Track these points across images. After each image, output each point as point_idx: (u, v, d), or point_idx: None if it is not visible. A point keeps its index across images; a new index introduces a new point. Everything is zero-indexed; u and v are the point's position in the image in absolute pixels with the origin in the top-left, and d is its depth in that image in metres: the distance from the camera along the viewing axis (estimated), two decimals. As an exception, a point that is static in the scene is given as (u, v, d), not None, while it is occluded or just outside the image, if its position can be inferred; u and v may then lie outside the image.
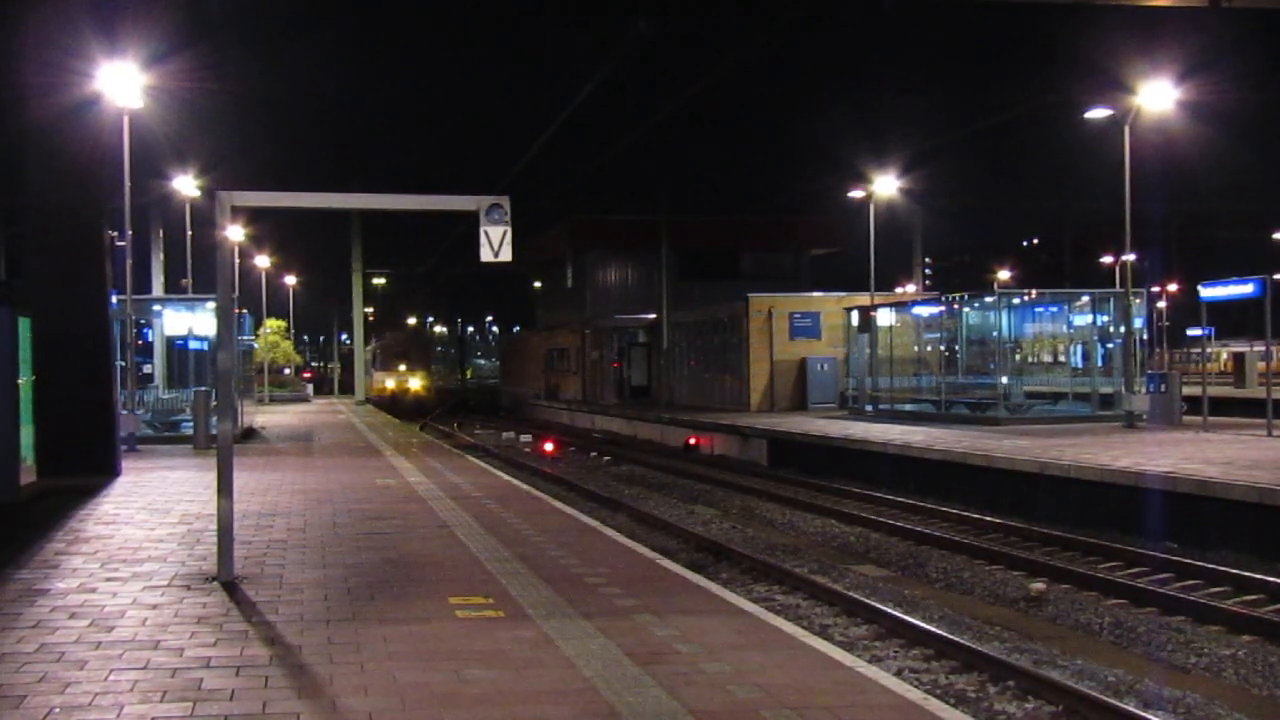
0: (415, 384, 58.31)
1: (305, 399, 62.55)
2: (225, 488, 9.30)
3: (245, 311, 33.64)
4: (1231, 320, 47.05)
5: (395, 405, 53.19)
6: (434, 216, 43.21)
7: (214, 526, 9.89)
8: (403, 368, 58.61)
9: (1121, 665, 9.74)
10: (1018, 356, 29.36)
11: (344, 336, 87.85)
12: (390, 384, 57.87)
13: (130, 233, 24.34)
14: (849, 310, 33.81)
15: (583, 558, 10.42)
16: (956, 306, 30.21)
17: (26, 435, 14.49)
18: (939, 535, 16.19)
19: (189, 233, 38.70)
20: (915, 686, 7.54)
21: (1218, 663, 9.80)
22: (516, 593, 8.80)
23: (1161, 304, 57.78)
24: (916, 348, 31.93)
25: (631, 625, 7.79)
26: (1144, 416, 24.85)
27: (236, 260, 38.75)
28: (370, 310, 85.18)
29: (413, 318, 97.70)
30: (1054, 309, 30.88)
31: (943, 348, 30.89)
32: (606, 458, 30.96)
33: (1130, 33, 29.57)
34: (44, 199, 17.48)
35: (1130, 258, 27.24)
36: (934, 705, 6.25)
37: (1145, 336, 30.60)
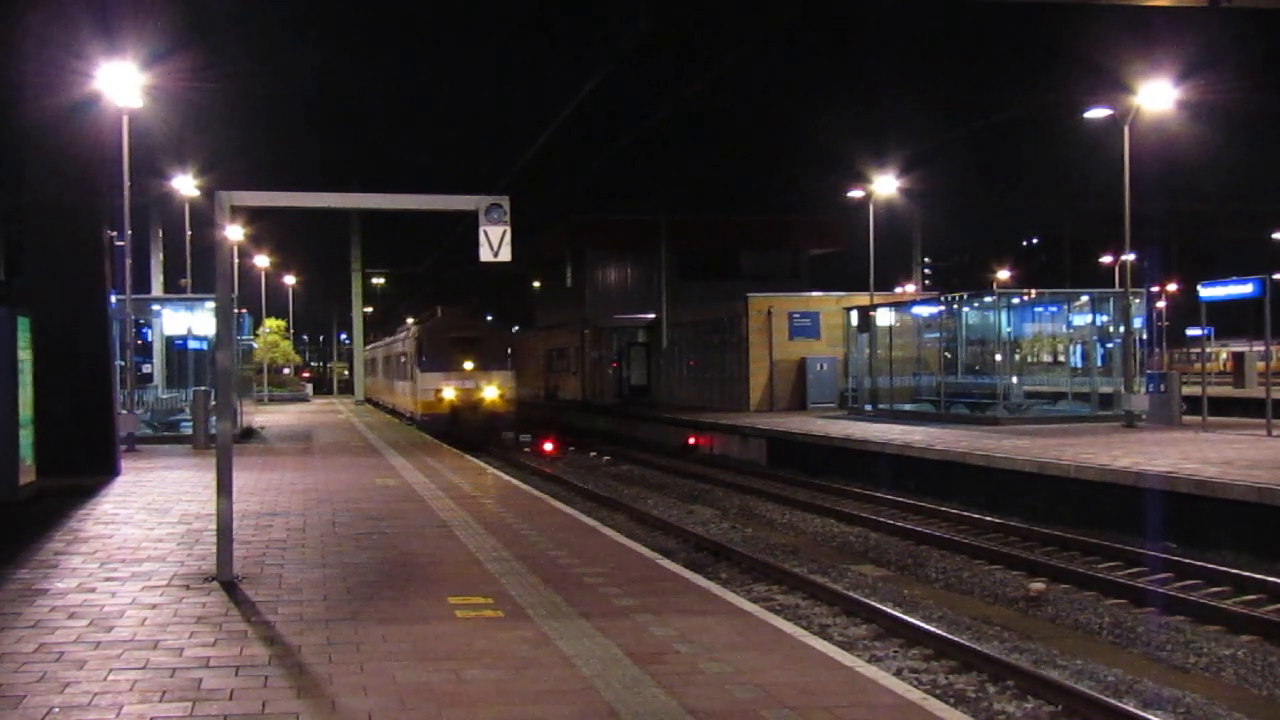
0: (491, 393, 34.22)
1: (304, 399, 62.60)
2: (224, 487, 9.30)
3: (244, 311, 33.64)
4: (1231, 320, 47.05)
5: (456, 427, 33.00)
6: (434, 216, 43.26)
7: (213, 526, 9.89)
8: (469, 365, 34.47)
9: (1121, 665, 9.74)
10: (1017, 356, 29.35)
11: (344, 336, 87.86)
12: (449, 393, 34.17)
13: (129, 232, 24.35)
14: (848, 310, 33.80)
15: (582, 557, 10.42)
16: (956, 306, 30.21)
17: (26, 435, 14.48)
18: (939, 535, 16.19)
19: (188, 232, 38.76)
20: (915, 686, 7.54)
21: (1217, 663, 9.80)
22: (516, 592, 8.80)
23: (1161, 304, 57.80)
24: (916, 348, 31.92)
25: (631, 625, 7.79)
26: (1143, 416, 24.86)
27: (236, 260, 38.75)
28: (370, 310, 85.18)
29: (411, 317, 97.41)
30: (1053, 309, 30.88)
31: (942, 347, 30.89)
32: (606, 457, 30.95)
33: (1130, 33, 29.60)
34: (44, 199, 17.47)
35: (1130, 258, 27.26)
36: (933, 705, 6.25)
37: (1145, 336, 30.59)
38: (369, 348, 61.85)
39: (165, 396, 29.03)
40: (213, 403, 22.33)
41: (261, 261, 56.58)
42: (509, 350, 36.19)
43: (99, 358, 17.68)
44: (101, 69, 18.81)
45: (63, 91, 17.03)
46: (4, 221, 41.12)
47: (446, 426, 32.89)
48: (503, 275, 69.42)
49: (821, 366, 35.16)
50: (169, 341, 30.02)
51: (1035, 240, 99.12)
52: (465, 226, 40.16)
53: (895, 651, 10.11)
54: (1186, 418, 25.14)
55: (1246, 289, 22.24)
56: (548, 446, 32.83)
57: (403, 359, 40.25)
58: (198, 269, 40.30)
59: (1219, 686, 9.26)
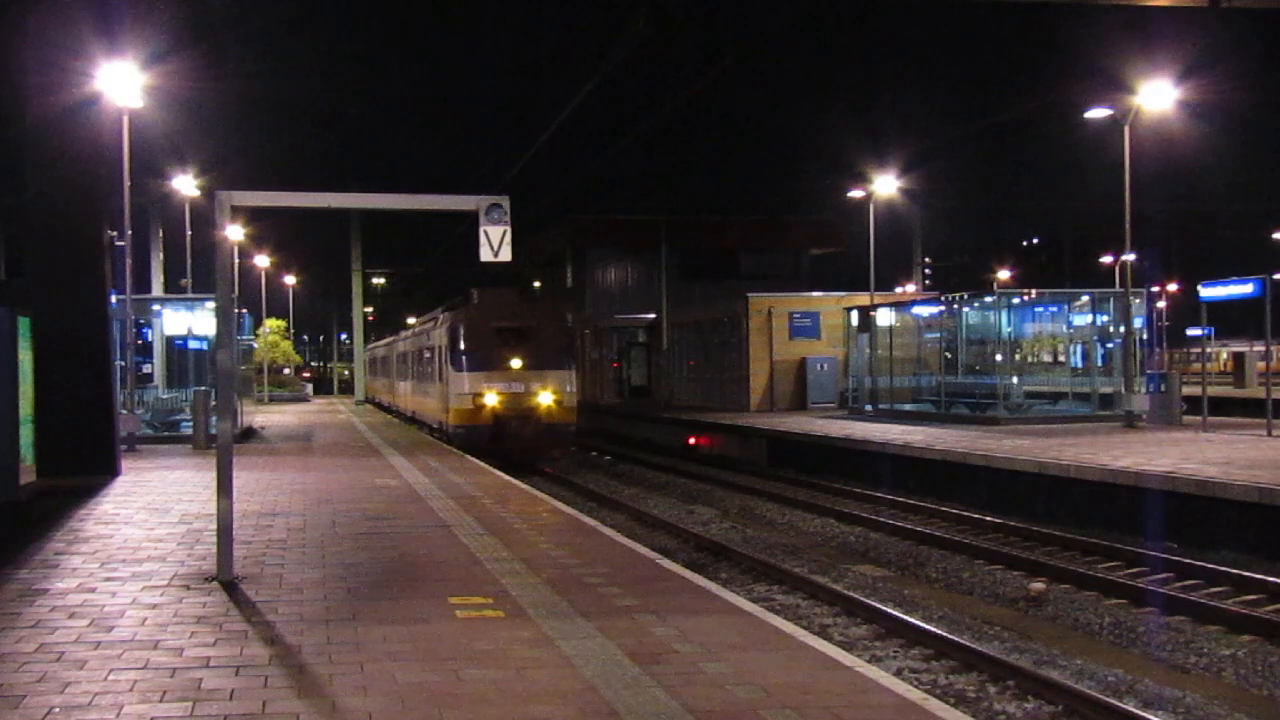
0: (545, 399, 26.49)
1: (305, 399, 62.61)
2: (225, 487, 9.30)
3: (245, 311, 33.65)
4: (1231, 320, 47.07)
5: (501, 443, 25.89)
6: (434, 216, 43.29)
7: (213, 526, 9.89)
8: (518, 363, 26.64)
9: (1121, 665, 9.74)
10: (1017, 356, 29.36)
11: (344, 336, 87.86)
12: (491, 399, 26.34)
13: (130, 232, 24.33)
14: (849, 310, 33.82)
15: (582, 557, 10.42)
16: (956, 306, 30.21)
17: (26, 434, 14.46)
18: (939, 535, 16.19)
19: (188, 233, 38.76)
20: (915, 686, 7.54)
21: (1218, 663, 9.80)
22: (516, 593, 8.79)
23: (1161, 304, 57.80)
24: (916, 348, 31.93)
25: (631, 625, 7.78)
26: (1144, 416, 24.86)
27: (236, 260, 38.74)
28: (369, 310, 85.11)
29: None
30: (1054, 309, 30.88)
31: (943, 347, 30.89)
32: (606, 457, 30.95)
33: (1130, 33, 29.58)
34: (44, 199, 17.48)
35: (1130, 258, 27.25)
36: (934, 705, 6.24)
37: (1145, 336, 30.61)
38: (380, 344, 59.57)
39: (165, 396, 29.00)
40: (213, 403, 22.33)
41: (261, 261, 56.57)
42: (570, 344, 28.75)
43: (99, 358, 17.68)
44: (101, 69, 18.81)
45: (63, 91, 17.03)
46: (4, 221, 41.09)
47: (488, 442, 25.71)
48: (503, 275, 69.30)
49: (822, 366, 35.16)
50: (169, 341, 29.99)
51: (1035, 240, 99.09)
52: (465, 226, 40.18)
53: (895, 651, 10.10)
54: (1187, 418, 25.15)
55: (1246, 289, 22.25)
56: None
57: (427, 355, 32.49)
58: (198, 269, 40.34)
59: (1219, 686, 9.26)
